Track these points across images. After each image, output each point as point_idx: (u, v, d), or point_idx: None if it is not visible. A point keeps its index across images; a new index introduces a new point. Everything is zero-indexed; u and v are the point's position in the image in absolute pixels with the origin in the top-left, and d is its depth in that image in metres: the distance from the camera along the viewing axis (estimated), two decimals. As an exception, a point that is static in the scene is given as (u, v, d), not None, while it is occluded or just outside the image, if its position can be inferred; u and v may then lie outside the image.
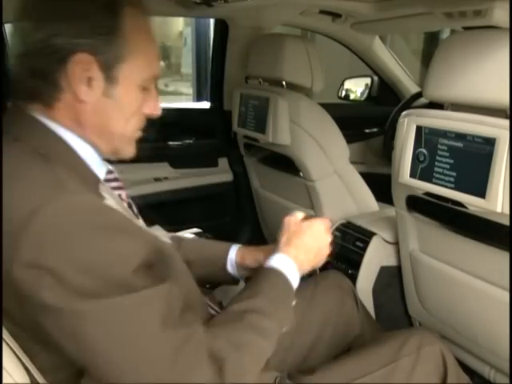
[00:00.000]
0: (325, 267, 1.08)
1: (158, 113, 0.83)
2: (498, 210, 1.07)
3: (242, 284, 1.10)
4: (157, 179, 2.13)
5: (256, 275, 0.89)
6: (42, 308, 0.64)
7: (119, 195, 0.86)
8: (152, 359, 0.66)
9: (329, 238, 0.98)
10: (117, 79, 0.75)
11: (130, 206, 0.90)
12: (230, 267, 1.10)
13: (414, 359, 0.99)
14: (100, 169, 0.81)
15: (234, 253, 1.10)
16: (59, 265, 0.63)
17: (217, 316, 0.83)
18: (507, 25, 1.20)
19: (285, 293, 0.88)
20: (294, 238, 0.94)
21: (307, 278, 1.35)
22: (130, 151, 0.83)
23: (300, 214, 0.99)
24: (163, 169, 2.18)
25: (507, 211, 1.06)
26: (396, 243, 1.58)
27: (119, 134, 0.80)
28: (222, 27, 2.18)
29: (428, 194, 1.25)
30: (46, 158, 0.71)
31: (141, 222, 0.91)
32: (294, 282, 0.90)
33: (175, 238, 1.15)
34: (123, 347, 0.66)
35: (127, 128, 0.80)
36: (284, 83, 1.87)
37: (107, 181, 0.84)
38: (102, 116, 0.76)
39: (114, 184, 0.86)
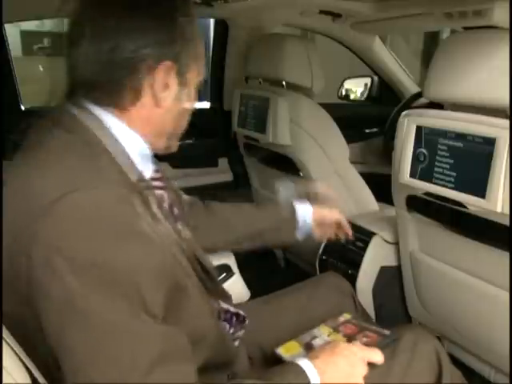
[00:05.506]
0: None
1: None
2: (498, 209, 1.07)
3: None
4: (157, 179, 2.13)
5: (282, 365, 0.87)
6: (45, 296, 0.64)
7: (161, 196, 0.86)
8: None
9: (364, 369, 0.87)
10: (186, 83, 0.80)
11: (170, 208, 0.89)
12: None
13: (410, 357, 0.99)
14: (147, 167, 0.82)
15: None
16: (73, 254, 0.63)
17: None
18: (507, 25, 1.21)
19: None
20: (327, 355, 0.87)
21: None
22: (177, 144, 0.88)
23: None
24: (163, 169, 2.18)
25: (507, 211, 1.06)
26: (396, 243, 1.58)
27: (178, 132, 0.86)
28: (222, 27, 2.18)
29: (428, 193, 1.25)
30: (93, 147, 0.72)
31: (179, 226, 0.90)
32: None
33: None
34: (100, 364, 0.63)
35: (184, 125, 0.86)
36: (284, 83, 1.87)
37: (151, 179, 0.84)
38: (171, 117, 0.81)
39: (158, 183, 0.86)
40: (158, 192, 0.85)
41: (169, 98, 0.78)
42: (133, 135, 0.78)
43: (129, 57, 0.72)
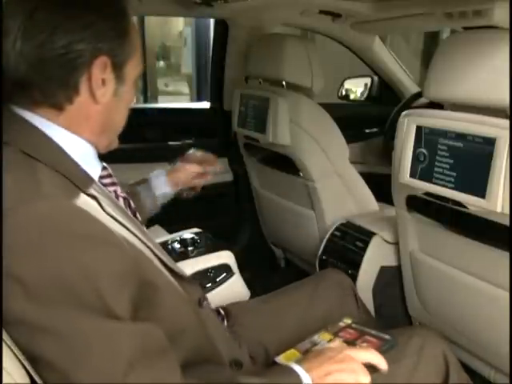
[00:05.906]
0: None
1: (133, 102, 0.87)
2: (498, 209, 1.07)
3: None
4: (157, 179, 2.13)
5: (276, 368, 0.87)
6: (6, 315, 0.63)
7: (114, 191, 0.85)
8: None
9: (353, 364, 0.82)
10: (124, 78, 0.78)
11: (127, 202, 0.88)
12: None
13: (416, 360, 0.99)
14: (95, 167, 0.80)
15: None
16: (25, 273, 0.62)
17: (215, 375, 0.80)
18: (507, 25, 1.21)
19: None
20: (312, 356, 0.86)
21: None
22: (117, 142, 0.86)
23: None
24: (163, 169, 2.18)
25: (507, 211, 1.06)
26: (396, 243, 1.58)
27: (118, 129, 0.84)
28: (222, 27, 2.18)
29: (428, 194, 1.25)
30: (31, 159, 0.70)
31: (139, 218, 0.89)
32: None
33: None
34: (80, 374, 0.63)
35: (123, 122, 0.84)
36: (284, 83, 1.87)
37: (101, 177, 0.82)
38: (110, 114, 0.79)
39: (108, 180, 0.85)
40: (111, 188, 0.85)
41: (107, 94, 0.76)
42: (73, 138, 0.76)
43: (62, 52, 0.70)
